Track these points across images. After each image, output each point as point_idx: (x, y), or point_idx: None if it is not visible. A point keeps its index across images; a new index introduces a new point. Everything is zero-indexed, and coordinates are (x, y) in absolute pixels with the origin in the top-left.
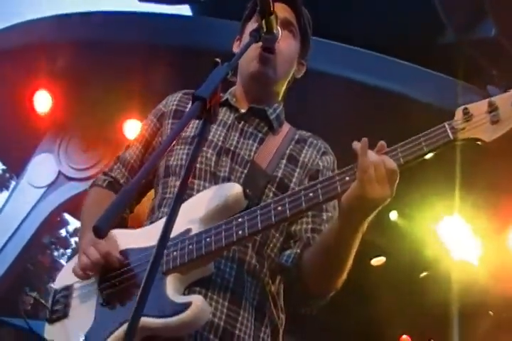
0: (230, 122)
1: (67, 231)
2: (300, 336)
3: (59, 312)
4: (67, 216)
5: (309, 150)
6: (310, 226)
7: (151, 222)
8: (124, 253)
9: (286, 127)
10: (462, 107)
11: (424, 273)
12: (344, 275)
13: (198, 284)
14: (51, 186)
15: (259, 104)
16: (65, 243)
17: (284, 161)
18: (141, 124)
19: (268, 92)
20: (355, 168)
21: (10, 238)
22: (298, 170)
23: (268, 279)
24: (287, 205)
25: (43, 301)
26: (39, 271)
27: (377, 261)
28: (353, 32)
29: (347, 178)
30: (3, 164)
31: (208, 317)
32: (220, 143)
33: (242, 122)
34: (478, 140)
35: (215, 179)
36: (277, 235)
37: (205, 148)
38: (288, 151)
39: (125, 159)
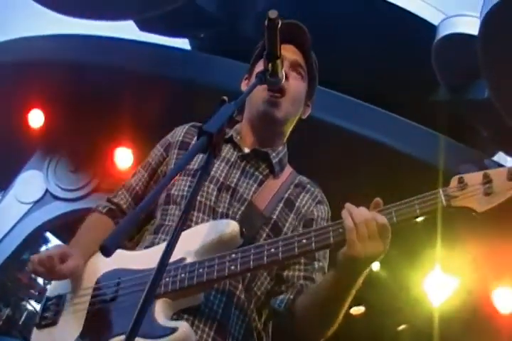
0: (232, 160)
1: (47, 249)
2: None
3: (48, 319)
4: (48, 234)
5: (306, 196)
6: (302, 273)
7: (147, 247)
8: (119, 272)
9: (288, 170)
10: (458, 176)
11: (403, 326)
12: (336, 325)
13: (186, 312)
14: (37, 203)
15: (264, 145)
16: None
17: (281, 205)
18: (150, 152)
19: (274, 133)
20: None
21: None
22: (292, 215)
23: (255, 315)
24: (280, 248)
25: (35, 308)
26: (15, 287)
27: (357, 310)
28: (345, 80)
29: (340, 230)
30: None
31: None
32: (221, 179)
33: (245, 162)
34: (470, 209)
35: (213, 213)
36: (265, 274)
37: (206, 183)
38: (286, 195)
39: (130, 185)
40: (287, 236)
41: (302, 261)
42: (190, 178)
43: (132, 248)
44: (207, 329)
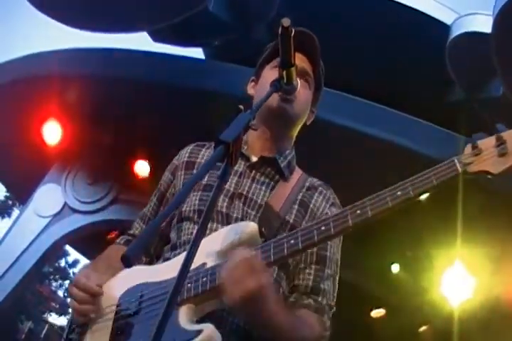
0: (241, 170)
1: (66, 262)
2: None
3: (73, 340)
4: (67, 246)
5: (320, 197)
6: (311, 283)
7: (165, 260)
8: (141, 287)
9: (297, 174)
10: (471, 143)
11: (424, 327)
12: None
13: (207, 318)
14: (56, 216)
15: (271, 151)
16: (63, 273)
17: (296, 206)
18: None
19: (284, 133)
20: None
21: (11, 265)
22: (307, 217)
23: None
24: (300, 238)
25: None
26: (37, 300)
27: (377, 312)
28: (362, 84)
29: (358, 211)
30: (8, 191)
31: None
32: (232, 189)
33: (254, 170)
34: (487, 172)
35: (227, 220)
36: (284, 276)
37: None
38: (299, 197)
39: (143, 214)
40: (306, 226)
41: (313, 267)
42: (201, 192)
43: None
44: (231, 335)
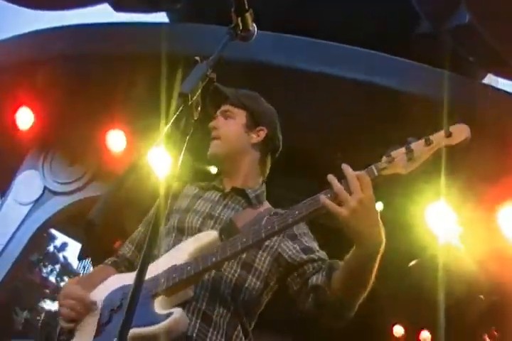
0: (216, 199)
1: (54, 247)
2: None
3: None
4: (53, 231)
5: None
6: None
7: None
8: (125, 287)
9: (265, 205)
10: (386, 154)
11: (414, 262)
12: (369, 286)
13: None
14: (37, 202)
15: (240, 185)
16: (53, 258)
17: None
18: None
19: (230, 167)
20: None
21: None
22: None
23: (240, 311)
24: (251, 236)
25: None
26: (29, 289)
27: None
28: (327, 27)
29: (296, 212)
30: None
31: (186, 327)
32: (206, 211)
33: (227, 199)
34: (397, 174)
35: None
36: (254, 280)
37: (191, 214)
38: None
39: (133, 237)
40: (255, 229)
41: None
42: (180, 214)
43: None
44: (194, 318)
